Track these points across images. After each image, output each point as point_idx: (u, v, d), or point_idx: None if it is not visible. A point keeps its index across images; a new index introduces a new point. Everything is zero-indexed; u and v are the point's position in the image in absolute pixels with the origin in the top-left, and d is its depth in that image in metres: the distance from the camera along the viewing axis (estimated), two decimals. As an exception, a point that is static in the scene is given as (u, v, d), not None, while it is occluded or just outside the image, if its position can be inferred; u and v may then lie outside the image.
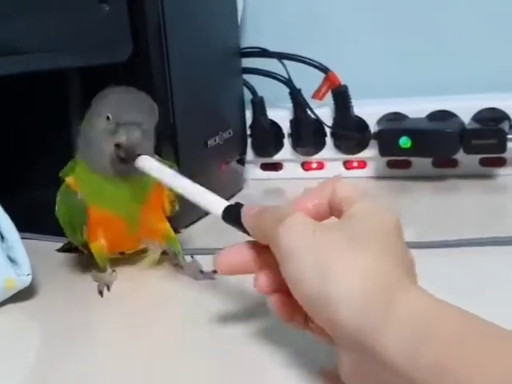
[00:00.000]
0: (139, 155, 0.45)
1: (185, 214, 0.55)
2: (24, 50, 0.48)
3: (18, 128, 0.63)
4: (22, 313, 0.48)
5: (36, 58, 0.49)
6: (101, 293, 0.49)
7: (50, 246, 0.60)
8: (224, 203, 0.41)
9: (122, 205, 0.49)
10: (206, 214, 0.47)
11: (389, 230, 0.35)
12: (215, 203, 0.41)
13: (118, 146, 0.46)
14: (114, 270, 0.52)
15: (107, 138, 0.46)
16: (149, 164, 0.45)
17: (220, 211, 0.40)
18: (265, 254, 0.37)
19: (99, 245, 0.51)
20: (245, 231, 0.39)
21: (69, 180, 0.50)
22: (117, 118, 0.46)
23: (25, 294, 0.49)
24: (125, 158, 0.46)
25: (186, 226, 0.63)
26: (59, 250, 0.58)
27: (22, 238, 0.49)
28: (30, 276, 0.48)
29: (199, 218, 0.64)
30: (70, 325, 0.46)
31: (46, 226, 0.62)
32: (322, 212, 0.38)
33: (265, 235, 0.36)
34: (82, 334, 0.45)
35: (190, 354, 0.41)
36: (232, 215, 0.39)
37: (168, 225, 0.52)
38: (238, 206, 0.40)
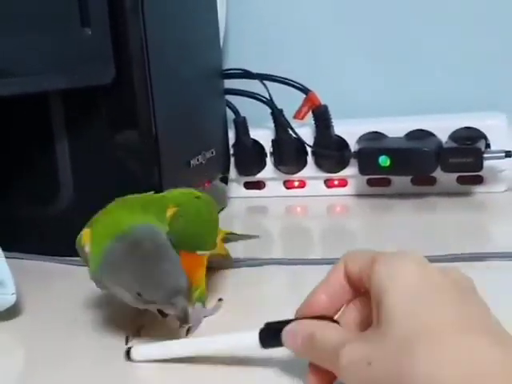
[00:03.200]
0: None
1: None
2: (8, 73, 0.49)
3: (1, 149, 0.64)
4: (6, 332, 0.48)
5: (20, 81, 0.50)
6: (127, 339, 0.44)
7: (35, 265, 0.61)
8: (253, 333, 0.37)
9: None
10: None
11: (429, 294, 0.32)
12: (245, 338, 0.38)
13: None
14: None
15: (144, 305, 0.42)
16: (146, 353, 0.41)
17: (256, 341, 0.37)
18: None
19: None
20: None
21: (85, 233, 0.45)
22: (152, 296, 0.40)
23: (9, 314, 0.49)
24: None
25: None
26: None
27: (7, 258, 0.50)
28: (15, 295, 0.48)
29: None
30: (54, 345, 0.46)
31: (31, 244, 0.63)
32: (342, 296, 0.37)
33: (325, 366, 0.34)
34: (65, 355, 0.45)
35: None
36: (271, 339, 0.37)
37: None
38: (272, 328, 0.37)
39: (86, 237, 0.45)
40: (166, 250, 0.41)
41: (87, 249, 0.44)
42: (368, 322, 0.35)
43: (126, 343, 0.43)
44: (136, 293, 0.40)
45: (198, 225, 0.48)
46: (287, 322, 0.37)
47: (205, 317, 0.47)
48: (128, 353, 0.41)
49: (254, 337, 0.37)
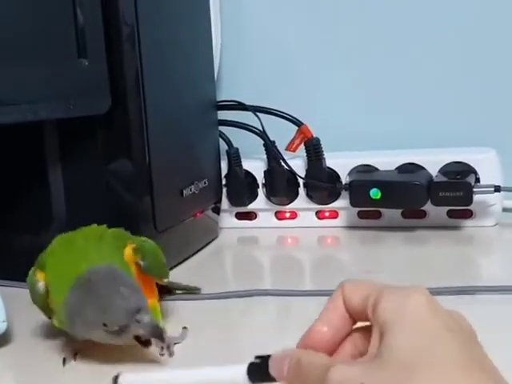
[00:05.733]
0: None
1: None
2: (4, 102, 0.49)
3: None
4: (-4, 360, 0.48)
5: (16, 109, 0.50)
6: (64, 361, 0.46)
7: (26, 293, 0.61)
8: (242, 366, 0.36)
9: None
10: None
11: (436, 334, 0.31)
12: (234, 370, 0.36)
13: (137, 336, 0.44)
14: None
15: (117, 337, 0.43)
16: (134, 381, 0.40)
17: (244, 375, 0.36)
18: None
19: None
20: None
21: (39, 274, 0.48)
22: (116, 322, 0.42)
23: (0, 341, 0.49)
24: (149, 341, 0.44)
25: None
26: None
27: (-1, 286, 0.50)
28: (6, 323, 0.48)
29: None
30: (44, 374, 0.46)
31: (23, 273, 0.62)
32: (343, 327, 0.36)
33: None
34: (55, 382, 0.45)
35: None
36: (259, 373, 0.35)
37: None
38: (262, 361, 0.36)
39: (39, 277, 0.48)
40: (118, 278, 0.44)
41: (41, 287, 0.47)
42: (359, 354, 0.35)
43: (64, 365, 0.46)
44: (102, 325, 0.42)
45: (161, 256, 0.51)
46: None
47: (175, 344, 0.47)
48: (116, 380, 0.41)
49: (242, 370, 0.36)
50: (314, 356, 0.34)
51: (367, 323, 0.35)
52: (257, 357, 0.36)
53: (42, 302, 0.48)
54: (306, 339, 0.36)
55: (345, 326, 0.36)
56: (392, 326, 0.32)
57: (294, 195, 0.80)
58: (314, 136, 0.77)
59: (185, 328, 0.49)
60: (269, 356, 0.36)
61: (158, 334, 0.42)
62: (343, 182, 0.77)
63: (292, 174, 0.78)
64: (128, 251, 0.49)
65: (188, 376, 0.38)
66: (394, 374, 0.30)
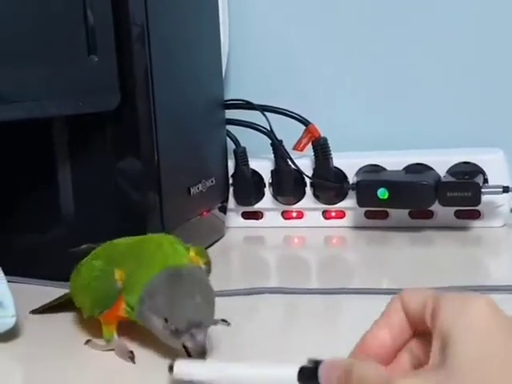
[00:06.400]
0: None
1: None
2: (15, 98, 0.49)
3: (4, 174, 0.64)
4: (5, 354, 0.48)
5: (26, 106, 0.50)
6: (132, 359, 0.45)
7: (35, 289, 0.61)
8: (293, 368, 0.35)
9: None
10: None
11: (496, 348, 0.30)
12: (285, 371, 0.36)
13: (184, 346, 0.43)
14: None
15: (169, 335, 0.43)
16: (188, 370, 0.41)
17: (294, 377, 0.35)
18: None
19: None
20: None
21: (118, 272, 0.46)
22: (175, 323, 0.42)
23: (8, 336, 0.49)
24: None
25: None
26: (36, 312, 0.55)
27: (8, 282, 0.50)
28: (15, 318, 0.48)
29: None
30: (52, 368, 0.46)
31: (32, 269, 0.63)
32: (401, 333, 0.35)
33: None
34: (63, 377, 0.45)
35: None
36: (310, 378, 0.34)
37: None
38: (313, 366, 0.35)
39: (119, 276, 0.46)
40: (201, 285, 0.44)
41: (120, 285, 0.46)
42: (418, 364, 0.34)
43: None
44: (164, 319, 0.42)
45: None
46: None
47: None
48: (171, 368, 0.41)
49: (293, 372, 0.35)
50: (368, 368, 0.32)
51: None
52: (309, 361, 0.35)
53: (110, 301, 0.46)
54: (362, 344, 0.35)
55: (403, 333, 0.35)
56: (456, 336, 0.31)
57: (301, 195, 0.80)
58: (322, 135, 0.77)
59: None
60: (321, 362, 0.34)
61: (201, 354, 0.42)
62: (350, 182, 0.77)
63: (299, 174, 0.78)
64: (192, 254, 0.48)
65: (240, 369, 0.39)
66: None
